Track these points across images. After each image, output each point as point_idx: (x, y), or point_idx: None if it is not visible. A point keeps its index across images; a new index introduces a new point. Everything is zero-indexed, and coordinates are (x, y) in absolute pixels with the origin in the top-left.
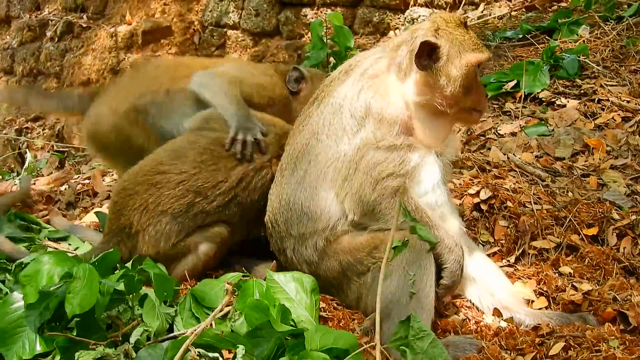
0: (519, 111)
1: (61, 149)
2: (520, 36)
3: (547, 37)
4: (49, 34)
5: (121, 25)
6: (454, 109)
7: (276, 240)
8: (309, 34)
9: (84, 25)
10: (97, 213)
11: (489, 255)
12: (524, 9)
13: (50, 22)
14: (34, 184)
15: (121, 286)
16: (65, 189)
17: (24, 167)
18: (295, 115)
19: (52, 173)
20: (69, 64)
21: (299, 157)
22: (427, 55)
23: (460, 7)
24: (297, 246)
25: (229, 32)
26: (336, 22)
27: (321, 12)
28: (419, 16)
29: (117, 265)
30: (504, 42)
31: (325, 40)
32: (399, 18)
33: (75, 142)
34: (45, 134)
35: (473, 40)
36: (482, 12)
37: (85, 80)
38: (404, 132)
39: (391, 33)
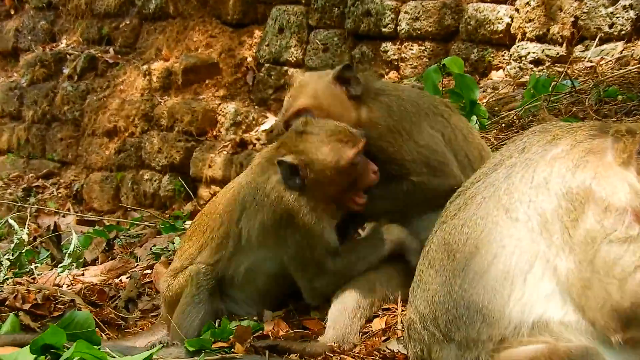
0: None
1: (89, 217)
2: None
3: None
4: (66, 71)
5: (156, 62)
6: None
7: (421, 346)
8: (388, 74)
9: (110, 61)
10: None
11: None
12: None
13: (68, 56)
14: (82, 274)
15: None
16: (122, 280)
17: (69, 252)
18: None
19: (97, 258)
20: (91, 108)
21: (479, 238)
22: None
23: (575, 43)
24: (457, 354)
25: (290, 70)
26: (455, 69)
27: (405, 47)
28: (528, 53)
29: None
30: None
31: (441, 92)
32: (503, 55)
33: (95, 204)
34: (60, 195)
35: None
36: (621, 52)
37: (111, 129)
38: (637, 222)
39: (493, 74)
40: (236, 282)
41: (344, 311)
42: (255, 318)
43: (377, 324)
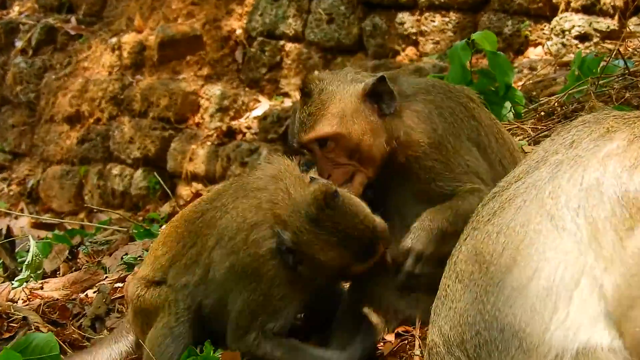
0: None
1: (47, 220)
2: None
3: None
4: (19, 44)
5: (127, 34)
6: None
7: None
8: (405, 50)
9: (72, 33)
10: None
11: None
12: None
13: (21, 26)
14: (41, 288)
15: None
16: (88, 295)
17: (26, 263)
18: None
19: (58, 269)
20: (49, 89)
21: (518, 248)
22: None
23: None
24: None
25: (288, 45)
26: (487, 46)
27: (425, 18)
28: (573, 27)
29: None
30: None
31: (470, 74)
32: (542, 29)
33: (54, 204)
34: (11, 193)
35: None
36: None
37: (73, 114)
38: None
39: (530, 51)
40: (206, 312)
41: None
42: None
43: (388, 347)
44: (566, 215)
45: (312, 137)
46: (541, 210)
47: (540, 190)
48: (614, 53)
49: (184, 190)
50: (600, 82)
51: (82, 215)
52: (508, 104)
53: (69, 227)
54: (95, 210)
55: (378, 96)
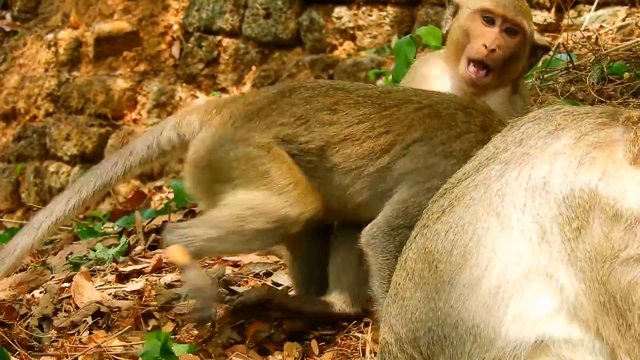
0: None
1: None
2: None
3: None
4: None
5: (63, 30)
6: None
7: None
8: (342, 45)
9: (7, 29)
10: None
11: None
12: None
13: None
14: None
15: None
16: (34, 295)
17: None
18: None
19: None
20: None
21: (467, 246)
22: None
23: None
24: None
25: (225, 41)
26: (432, 41)
27: (363, 12)
28: None
29: None
30: None
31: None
32: None
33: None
34: None
35: None
36: (624, 19)
37: (9, 111)
38: None
39: None
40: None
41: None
42: None
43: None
44: (512, 213)
45: (518, 21)
46: (489, 209)
47: (489, 188)
48: (557, 46)
49: (122, 187)
50: (545, 75)
51: (19, 214)
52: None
53: (8, 226)
54: (33, 209)
55: None
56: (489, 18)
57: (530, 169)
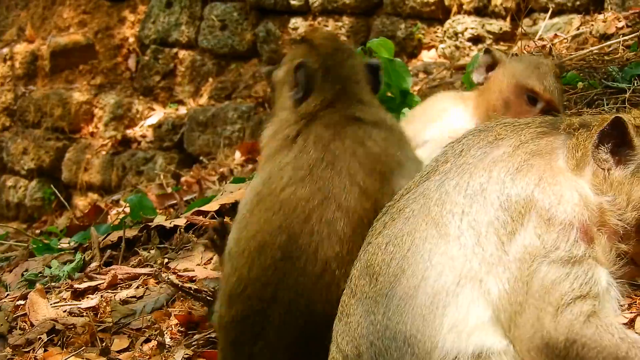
0: None
1: None
2: None
3: None
4: None
5: (19, 44)
6: (629, 244)
7: None
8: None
9: None
10: None
11: None
12: None
13: None
14: None
15: None
16: None
17: None
18: None
19: None
20: None
21: (405, 257)
22: (612, 148)
23: (524, 16)
24: None
25: (181, 53)
26: (384, 53)
27: (319, 23)
28: (466, 29)
29: None
30: (639, 82)
31: None
32: (435, 32)
33: None
34: None
35: None
36: (578, 27)
37: None
38: (583, 240)
39: (424, 54)
40: None
41: None
42: None
43: None
44: (450, 221)
45: (560, 106)
46: (427, 218)
47: (428, 198)
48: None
49: (80, 201)
50: None
51: None
52: (407, 110)
53: None
54: None
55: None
56: (533, 98)
57: (468, 177)
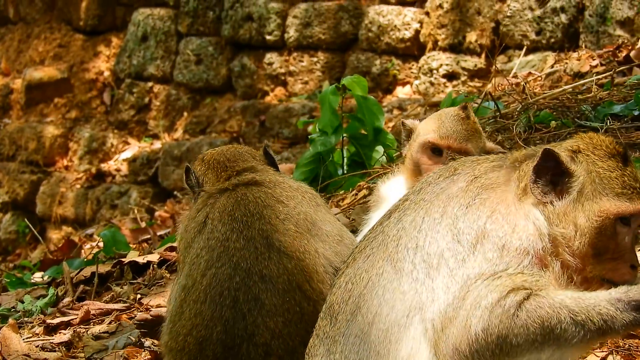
0: None
1: None
2: (638, 113)
3: None
4: None
5: None
6: (583, 272)
7: None
8: (274, 90)
9: None
10: None
11: None
12: (616, 62)
13: None
14: None
15: None
16: None
17: None
18: None
19: None
20: None
21: (362, 294)
22: (551, 179)
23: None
24: None
25: (156, 87)
26: (358, 91)
27: (294, 58)
28: (440, 65)
29: None
30: (612, 121)
31: (340, 118)
32: (410, 68)
33: None
34: None
35: (625, 182)
36: (552, 65)
37: None
38: (538, 265)
39: (399, 90)
40: None
41: None
42: None
43: None
44: (405, 256)
45: (464, 147)
46: (384, 255)
47: (386, 235)
48: (484, 95)
49: (54, 234)
50: None
51: None
52: (380, 148)
53: None
54: None
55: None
56: (435, 149)
57: (424, 212)
